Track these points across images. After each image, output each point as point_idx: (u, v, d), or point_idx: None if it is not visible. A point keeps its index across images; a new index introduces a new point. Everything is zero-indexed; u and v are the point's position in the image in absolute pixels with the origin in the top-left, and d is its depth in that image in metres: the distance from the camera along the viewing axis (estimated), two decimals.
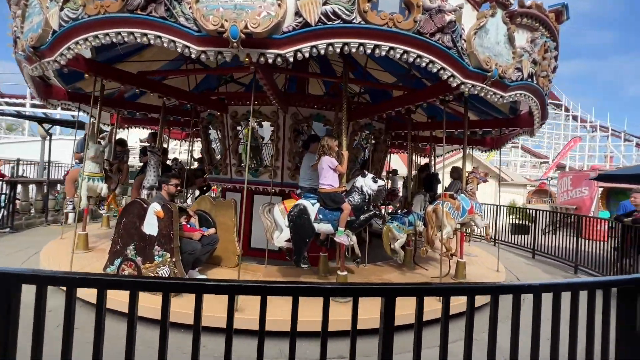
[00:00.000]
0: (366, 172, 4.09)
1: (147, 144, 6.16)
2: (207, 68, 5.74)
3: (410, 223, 4.95)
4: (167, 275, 3.34)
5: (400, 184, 8.00)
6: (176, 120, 7.46)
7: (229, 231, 4.62)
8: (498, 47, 3.56)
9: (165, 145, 6.93)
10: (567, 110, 36.27)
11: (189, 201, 7.36)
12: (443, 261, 4.28)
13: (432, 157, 6.85)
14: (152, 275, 3.35)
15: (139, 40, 2.88)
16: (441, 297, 1.53)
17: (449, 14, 3.00)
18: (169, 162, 6.88)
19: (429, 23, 2.90)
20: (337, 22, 2.72)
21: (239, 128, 5.89)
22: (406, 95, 4.76)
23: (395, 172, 8.56)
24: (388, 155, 7.63)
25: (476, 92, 3.41)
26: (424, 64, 3.04)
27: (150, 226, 3.40)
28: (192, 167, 8.03)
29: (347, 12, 2.71)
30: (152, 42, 2.85)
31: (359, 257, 4.35)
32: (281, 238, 3.95)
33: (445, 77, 3.17)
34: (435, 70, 3.10)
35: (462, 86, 3.30)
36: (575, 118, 36.38)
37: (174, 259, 3.36)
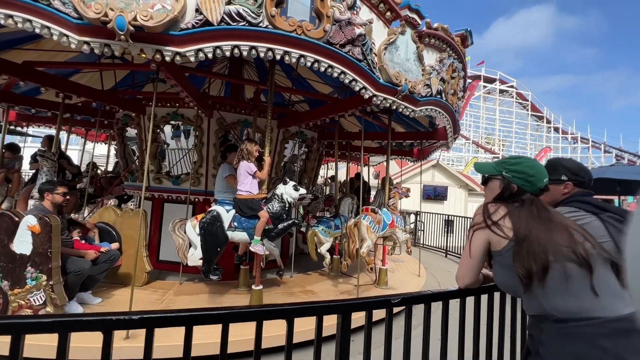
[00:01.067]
0: (287, 180, 3.99)
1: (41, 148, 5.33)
2: (126, 62, 5.19)
3: (337, 226, 4.97)
4: (41, 302, 2.83)
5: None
6: (86, 120, 6.64)
7: (136, 246, 4.15)
8: (408, 63, 3.75)
9: (75, 149, 6.11)
10: (548, 122, 38.26)
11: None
12: (366, 271, 4.35)
13: (363, 165, 7.06)
14: (22, 302, 2.81)
15: (2, 22, 2.42)
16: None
17: (359, 27, 3.07)
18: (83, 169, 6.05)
19: (339, 34, 2.93)
20: (242, 23, 2.59)
21: (158, 131, 5.43)
22: (330, 106, 4.81)
23: (333, 178, 8.67)
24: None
25: (388, 104, 3.54)
26: (335, 74, 3.05)
27: (22, 244, 2.86)
28: (109, 173, 7.22)
29: (253, 15, 2.60)
30: (20, 25, 2.42)
31: (282, 270, 4.21)
32: (195, 256, 3.63)
33: (357, 88, 3.23)
34: (347, 81, 3.14)
35: (375, 98, 3.39)
36: (557, 130, 38.41)
37: (51, 282, 2.86)
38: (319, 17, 2.86)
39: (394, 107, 3.70)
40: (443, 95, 4.34)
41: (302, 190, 3.98)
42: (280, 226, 3.71)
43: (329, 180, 8.95)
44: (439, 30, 4.13)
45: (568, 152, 38.59)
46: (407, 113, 3.95)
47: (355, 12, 3.11)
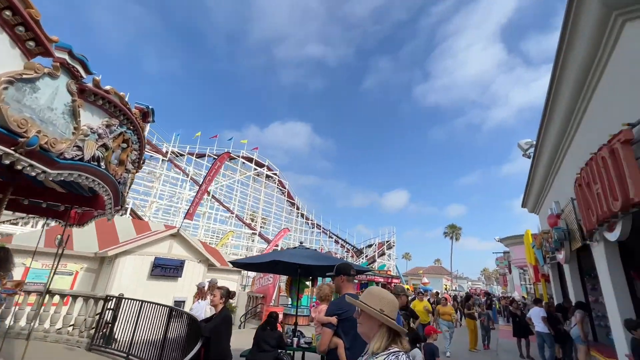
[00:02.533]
0: None
1: None
2: None
3: None
4: None
5: None
6: None
7: None
8: (51, 114, 3.09)
9: None
10: (298, 208, 48.06)
11: None
12: None
13: None
14: None
15: None
16: None
17: None
18: None
19: None
20: None
21: None
22: None
23: None
24: None
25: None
26: None
27: None
28: None
29: None
30: None
31: None
32: None
33: None
34: None
35: None
36: (302, 215, 48.72)
37: None
38: None
39: (13, 163, 2.82)
40: (102, 163, 3.90)
41: None
42: None
43: None
44: (112, 94, 3.86)
45: (308, 234, 49.24)
46: (35, 174, 3.14)
47: None
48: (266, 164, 44.30)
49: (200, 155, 38.30)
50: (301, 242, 9.21)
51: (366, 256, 45.52)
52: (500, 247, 26.57)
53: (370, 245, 49.11)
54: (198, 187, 22.93)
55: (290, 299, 12.00)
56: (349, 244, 51.27)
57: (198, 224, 33.23)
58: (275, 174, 45.71)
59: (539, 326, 7.66)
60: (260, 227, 41.48)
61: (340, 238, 51.64)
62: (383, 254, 44.96)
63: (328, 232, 50.95)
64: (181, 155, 36.66)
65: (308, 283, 9.60)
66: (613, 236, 4.56)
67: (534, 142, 7.90)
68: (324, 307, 3.87)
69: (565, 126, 6.59)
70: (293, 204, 48.25)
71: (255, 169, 42.98)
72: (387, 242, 47.78)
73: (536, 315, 7.83)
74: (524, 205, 13.25)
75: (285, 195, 47.22)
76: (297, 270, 6.71)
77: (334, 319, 2.88)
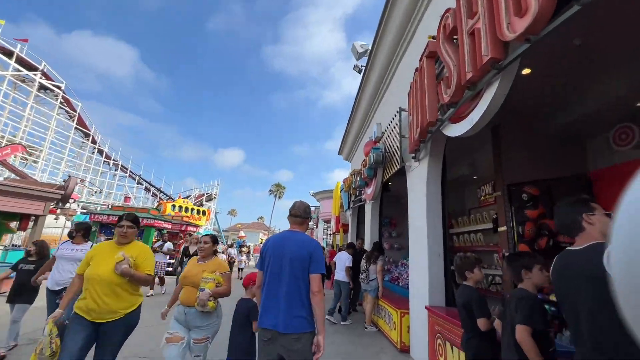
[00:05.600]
0: None
1: None
2: None
3: None
4: None
5: None
6: None
7: None
8: None
9: None
10: (94, 142, 36.89)
11: None
12: None
13: None
14: None
15: None
16: None
17: None
18: None
19: None
20: None
21: None
22: None
23: None
24: None
25: None
26: None
27: None
28: None
29: None
30: None
31: None
32: None
33: None
34: None
35: None
36: (101, 152, 38.04)
37: None
38: None
39: None
40: None
41: None
42: None
43: None
44: None
45: (108, 177, 39.22)
46: None
47: None
48: (42, 67, 30.56)
49: None
50: None
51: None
52: (315, 202, 28.29)
53: (188, 197, 44.06)
54: None
55: None
56: (163, 193, 44.36)
57: None
58: (58, 88, 32.47)
59: (340, 274, 6.63)
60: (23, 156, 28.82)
61: (152, 185, 43.79)
62: (201, 205, 41.12)
63: (137, 177, 42.08)
64: None
65: None
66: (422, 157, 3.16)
67: (369, 48, 6.53)
68: None
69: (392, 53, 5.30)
70: (87, 136, 36.38)
71: (19, 71, 28.87)
72: (207, 194, 44.03)
73: (342, 261, 6.77)
74: (340, 152, 12.99)
75: (74, 122, 34.73)
76: None
77: None
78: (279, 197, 66.35)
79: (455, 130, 3.22)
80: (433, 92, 3.51)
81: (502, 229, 4.69)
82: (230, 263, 12.97)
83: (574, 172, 4.91)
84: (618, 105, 4.09)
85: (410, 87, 4.32)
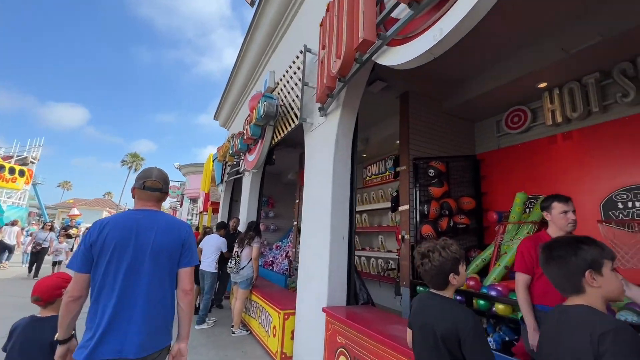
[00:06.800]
0: None
1: None
2: None
3: None
4: None
5: None
6: None
7: None
8: None
9: None
10: None
11: None
12: None
13: None
14: None
15: None
16: None
17: None
18: None
19: None
20: None
21: None
22: None
23: None
24: None
25: None
26: None
27: None
28: None
29: None
30: None
31: None
32: None
33: None
34: None
35: None
36: None
37: None
38: None
39: None
40: None
41: None
42: None
43: None
44: None
45: None
46: None
47: None
48: None
49: None
50: None
51: None
52: (180, 177, 24.42)
53: None
54: None
55: None
56: None
57: None
58: None
59: (207, 263, 4.91)
60: None
61: None
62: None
63: None
64: None
65: None
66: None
67: None
68: None
69: None
70: None
71: None
72: (18, 156, 32.42)
73: (212, 247, 5.01)
74: (216, 116, 10.87)
75: None
76: None
77: None
78: (135, 170, 56.10)
79: (400, 55, 2.17)
80: (371, 2, 2.37)
81: (405, 207, 4.11)
82: (39, 252, 9.01)
83: (465, 153, 4.82)
84: (517, 86, 4.00)
85: (328, 8, 3.10)
